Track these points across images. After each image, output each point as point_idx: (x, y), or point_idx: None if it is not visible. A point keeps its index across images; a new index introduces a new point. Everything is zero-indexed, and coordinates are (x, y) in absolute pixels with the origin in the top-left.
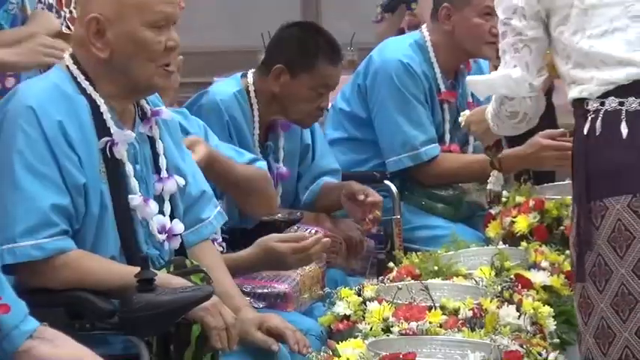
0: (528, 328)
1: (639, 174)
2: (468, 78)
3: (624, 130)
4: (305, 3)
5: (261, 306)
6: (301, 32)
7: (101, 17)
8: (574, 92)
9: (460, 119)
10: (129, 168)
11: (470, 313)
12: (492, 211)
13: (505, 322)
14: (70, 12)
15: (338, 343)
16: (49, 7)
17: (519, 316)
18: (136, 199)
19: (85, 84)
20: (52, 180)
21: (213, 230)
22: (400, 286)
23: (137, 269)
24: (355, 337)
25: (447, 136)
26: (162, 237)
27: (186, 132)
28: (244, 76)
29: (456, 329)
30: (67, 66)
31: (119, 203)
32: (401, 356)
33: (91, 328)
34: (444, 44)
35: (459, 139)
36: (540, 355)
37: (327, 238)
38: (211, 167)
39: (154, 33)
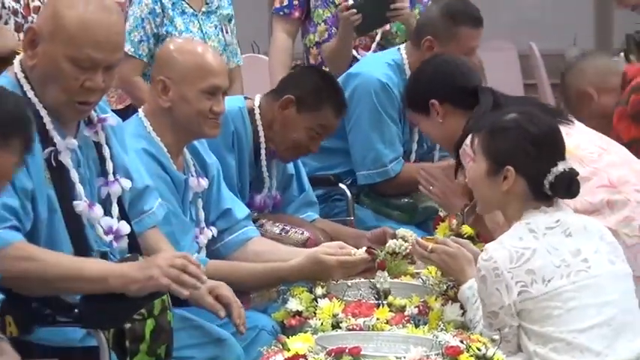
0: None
1: None
2: None
3: None
4: None
5: None
6: (320, 78)
7: (38, 30)
8: None
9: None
10: (74, 174)
11: (415, 310)
12: (441, 214)
13: (449, 318)
14: None
15: (288, 338)
16: (15, 13)
17: (463, 314)
18: (80, 205)
19: (31, 94)
20: None
21: (156, 220)
22: (350, 284)
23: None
24: (306, 333)
25: (413, 155)
26: (109, 238)
27: (203, 162)
28: (247, 98)
29: (401, 325)
30: (16, 73)
31: (67, 207)
32: (347, 350)
33: (52, 322)
34: None
35: (423, 158)
36: (479, 350)
37: (368, 256)
38: None
39: (75, 68)
